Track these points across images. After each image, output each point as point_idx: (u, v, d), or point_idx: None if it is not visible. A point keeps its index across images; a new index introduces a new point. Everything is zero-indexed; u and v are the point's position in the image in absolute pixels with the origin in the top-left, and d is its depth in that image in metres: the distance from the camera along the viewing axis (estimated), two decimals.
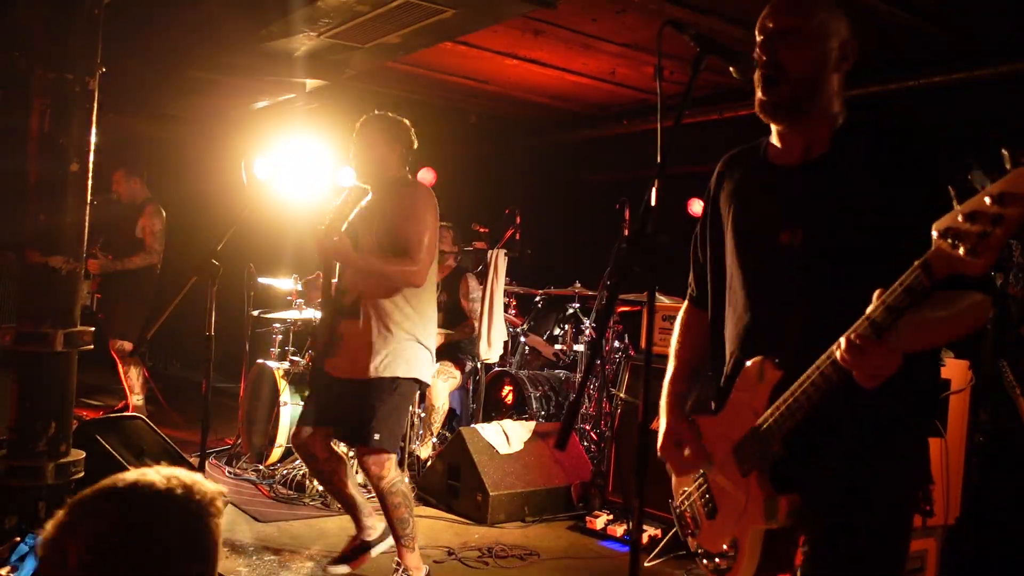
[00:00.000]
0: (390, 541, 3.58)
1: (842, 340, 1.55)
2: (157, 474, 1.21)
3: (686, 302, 2.19)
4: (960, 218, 1.34)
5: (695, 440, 1.95)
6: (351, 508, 3.62)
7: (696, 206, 6.88)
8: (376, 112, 3.57)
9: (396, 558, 3.50)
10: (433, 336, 3.53)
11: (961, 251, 1.33)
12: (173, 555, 1.18)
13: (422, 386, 3.54)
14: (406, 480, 3.50)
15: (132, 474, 1.21)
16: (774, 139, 1.93)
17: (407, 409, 3.50)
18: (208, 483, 1.26)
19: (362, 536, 3.61)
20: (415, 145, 3.56)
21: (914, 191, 1.70)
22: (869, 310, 1.52)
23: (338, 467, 3.56)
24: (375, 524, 3.62)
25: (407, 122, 3.56)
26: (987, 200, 1.31)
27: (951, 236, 1.35)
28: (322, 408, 3.48)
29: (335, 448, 3.59)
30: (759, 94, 1.83)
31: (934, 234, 1.39)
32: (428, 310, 3.48)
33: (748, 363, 1.85)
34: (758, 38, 1.84)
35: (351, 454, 5.08)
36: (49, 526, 1.17)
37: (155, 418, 4.74)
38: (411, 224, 3.33)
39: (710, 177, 2.11)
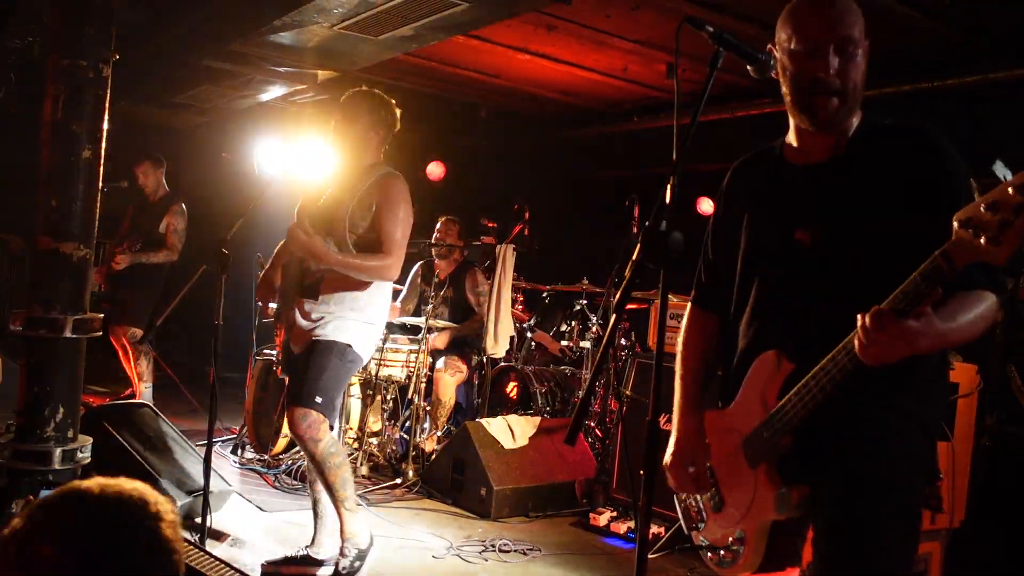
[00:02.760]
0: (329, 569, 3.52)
1: (865, 317, 1.54)
2: (97, 484, 1.22)
3: (690, 306, 2.18)
4: (982, 208, 1.36)
5: (703, 465, 1.97)
6: (315, 511, 3.58)
7: (704, 204, 6.87)
8: (364, 89, 3.51)
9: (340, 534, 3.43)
10: (383, 317, 3.54)
11: (982, 240, 1.36)
12: (142, 557, 1.19)
13: (361, 362, 3.53)
14: (340, 447, 3.46)
15: (91, 481, 1.22)
16: (792, 139, 1.92)
17: (347, 380, 3.50)
18: (151, 492, 1.26)
19: (312, 548, 3.55)
20: (398, 127, 3.53)
21: (930, 185, 1.71)
22: (889, 298, 1.54)
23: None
24: (326, 543, 3.56)
25: (393, 103, 3.51)
26: (1010, 191, 1.33)
27: (972, 226, 1.37)
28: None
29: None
30: (810, 101, 1.78)
31: (955, 224, 1.40)
32: (381, 292, 3.49)
33: (760, 357, 1.86)
34: (807, 45, 1.77)
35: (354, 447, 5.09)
36: (17, 523, 1.18)
37: (161, 406, 4.75)
38: (387, 218, 3.34)
39: (719, 176, 2.11)
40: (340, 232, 3.35)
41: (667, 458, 2.02)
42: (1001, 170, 4.08)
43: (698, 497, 2.04)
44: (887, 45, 5.08)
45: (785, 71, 1.81)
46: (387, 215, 3.35)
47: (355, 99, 3.46)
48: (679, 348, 2.15)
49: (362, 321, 3.42)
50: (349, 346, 3.38)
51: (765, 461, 1.81)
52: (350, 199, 3.38)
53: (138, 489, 1.22)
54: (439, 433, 5.45)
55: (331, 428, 3.41)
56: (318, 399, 3.29)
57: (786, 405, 1.75)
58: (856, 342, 1.55)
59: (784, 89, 1.84)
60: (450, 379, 5.52)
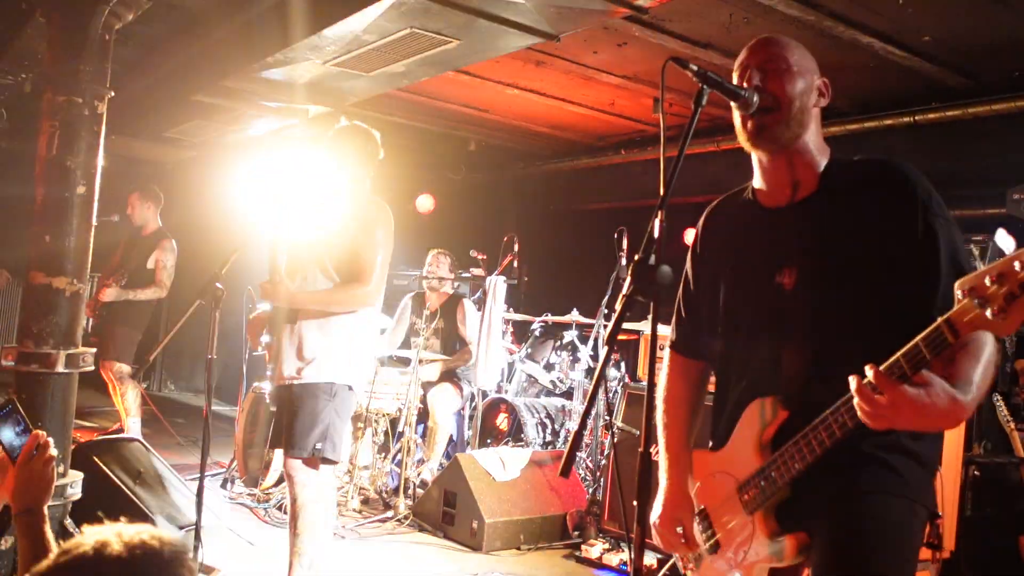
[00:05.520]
0: None
1: (853, 383, 1.54)
2: (119, 540, 1.13)
3: (669, 352, 2.17)
4: (987, 279, 1.35)
5: (691, 526, 1.97)
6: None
7: (690, 236, 6.93)
8: (350, 125, 3.54)
9: None
10: (368, 342, 3.50)
11: (988, 312, 1.35)
12: None
13: (355, 394, 3.47)
14: (333, 502, 3.38)
15: (91, 541, 1.13)
16: (758, 181, 1.94)
17: (347, 416, 3.44)
18: (174, 538, 1.18)
19: None
20: (381, 155, 3.55)
21: (906, 220, 1.73)
22: (887, 363, 1.51)
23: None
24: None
25: (377, 135, 3.54)
26: (1016, 265, 1.33)
27: (977, 296, 1.36)
28: (276, 427, 3.45)
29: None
30: (748, 122, 1.84)
31: (958, 293, 1.40)
32: (366, 318, 3.45)
33: (752, 403, 1.86)
34: (741, 73, 1.87)
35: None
36: None
37: (150, 440, 4.72)
38: (365, 244, 3.32)
39: (704, 209, 2.14)
40: (325, 265, 3.36)
41: (654, 517, 2.01)
42: (1003, 240, 4.14)
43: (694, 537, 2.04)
44: (868, 81, 5.20)
45: None
46: (364, 240, 3.32)
47: (343, 136, 3.50)
48: (661, 398, 2.12)
49: (344, 352, 3.36)
50: (333, 383, 3.32)
51: (762, 509, 1.81)
52: (335, 231, 3.39)
53: (143, 548, 1.14)
54: (433, 466, 5.44)
55: (336, 463, 3.34)
56: (318, 446, 3.25)
57: (784, 455, 1.75)
58: (858, 408, 1.54)
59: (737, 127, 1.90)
60: (444, 403, 5.53)
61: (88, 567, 1.10)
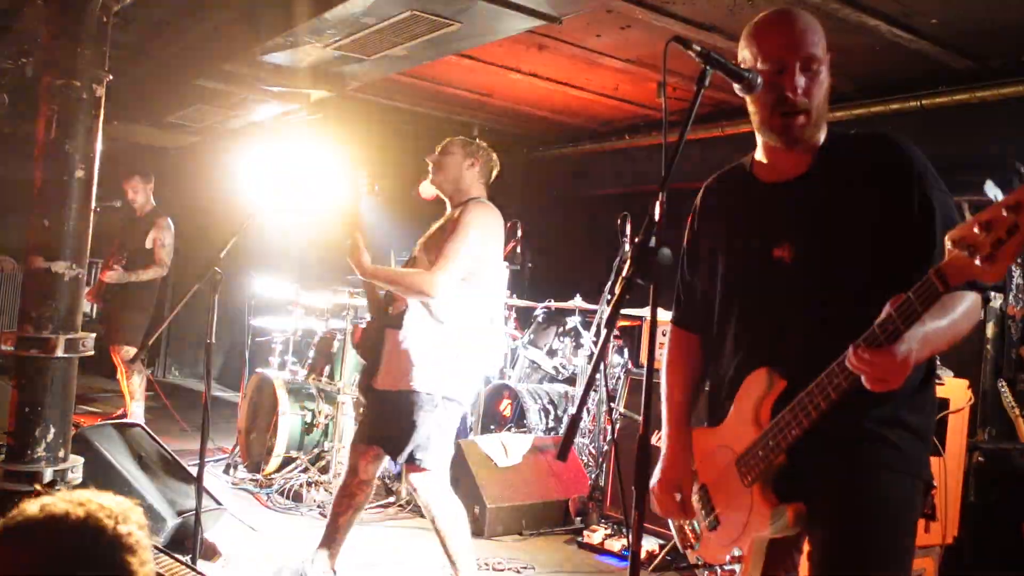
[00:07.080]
0: None
1: (851, 348, 1.58)
2: (63, 502, 1.13)
3: (671, 327, 2.19)
4: (976, 228, 1.38)
5: (689, 492, 1.99)
6: (334, 532, 3.48)
7: None
8: (454, 138, 3.69)
9: None
10: (478, 358, 3.41)
11: (977, 260, 1.38)
12: None
13: (459, 406, 3.40)
14: (453, 503, 3.36)
15: (35, 506, 1.14)
16: (761, 156, 1.94)
17: (451, 428, 3.38)
18: (123, 505, 1.18)
19: (331, 564, 3.47)
20: (494, 164, 3.66)
21: (902, 190, 1.74)
22: (880, 318, 1.55)
23: (363, 495, 3.48)
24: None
25: (485, 145, 3.67)
26: (1003, 211, 1.35)
27: (966, 246, 1.39)
28: (371, 425, 3.43)
29: (375, 475, 3.51)
30: (778, 120, 1.81)
31: (948, 244, 1.43)
32: (475, 331, 3.36)
33: (750, 375, 1.87)
34: (773, 64, 1.79)
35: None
36: None
37: (153, 426, 4.73)
38: (451, 237, 3.27)
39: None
40: (425, 261, 3.32)
41: (653, 483, 2.03)
42: (992, 190, 4.14)
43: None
44: (875, 64, 5.15)
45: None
46: (453, 235, 3.27)
47: (445, 147, 3.67)
48: (663, 371, 2.16)
49: (447, 363, 3.28)
50: (433, 394, 3.25)
51: (760, 479, 1.82)
52: (439, 230, 3.44)
53: (92, 513, 1.13)
54: None
55: (430, 470, 3.29)
56: (418, 456, 3.24)
57: (780, 423, 1.76)
58: (866, 382, 1.57)
59: (751, 108, 1.87)
60: None
61: (40, 530, 1.11)
